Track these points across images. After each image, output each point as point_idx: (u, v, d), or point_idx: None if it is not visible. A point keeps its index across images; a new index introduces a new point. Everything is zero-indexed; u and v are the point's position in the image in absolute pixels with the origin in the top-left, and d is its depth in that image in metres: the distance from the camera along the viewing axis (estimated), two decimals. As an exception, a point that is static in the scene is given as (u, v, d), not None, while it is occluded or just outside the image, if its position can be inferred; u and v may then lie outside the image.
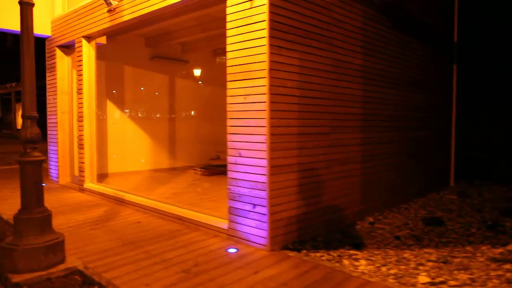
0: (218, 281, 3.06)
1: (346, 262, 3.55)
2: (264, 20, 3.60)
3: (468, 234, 4.53)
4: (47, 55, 7.48)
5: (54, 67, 7.23)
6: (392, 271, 3.35)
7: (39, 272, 3.21)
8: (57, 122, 7.23)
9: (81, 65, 6.40)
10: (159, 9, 4.92)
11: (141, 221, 4.76)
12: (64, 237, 3.55)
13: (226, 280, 3.08)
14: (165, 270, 3.28)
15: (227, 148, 3.98)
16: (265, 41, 3.60)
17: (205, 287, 2.97)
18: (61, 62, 7.24)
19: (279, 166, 3.75)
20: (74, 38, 6.53)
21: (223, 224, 4.10)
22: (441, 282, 3.13)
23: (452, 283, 3.13)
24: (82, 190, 6.48)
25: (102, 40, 6.86)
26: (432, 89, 6.78)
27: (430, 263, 3.57)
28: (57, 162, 7.27)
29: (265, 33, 3.59)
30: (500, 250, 3.95)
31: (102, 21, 5.88)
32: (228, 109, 3.96)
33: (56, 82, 7.21)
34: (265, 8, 3.58)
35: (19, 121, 22.12)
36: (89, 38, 6.43)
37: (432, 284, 3.10)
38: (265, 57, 3.60)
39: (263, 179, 3.66)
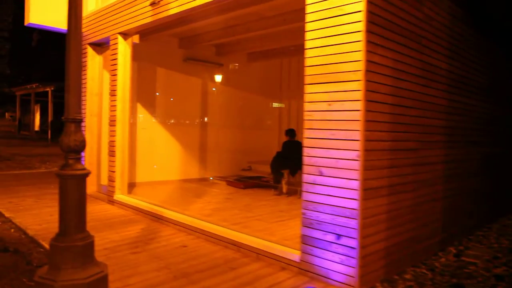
0: None
1: (456, 312, 2.84)
2: (360, 11, 2.94)
3: None
4: (77, 53, 6.92)
5: (84, 66, 6.67)
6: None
7: (81, 316, 2.57)
8: (85, 126, 6.65)
9: (115, 64, 5.82)
10: (213, 0, 4.31)
11: (187, 245, 4.10)
12: (107, 268, 2.90)
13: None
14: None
15: (303, 165, 3.30)
16: (360, 36, 2.94)
17: None
18: (92, 61, 6.68)
19: (372, 189, 3.06)
20: (109, 35, 5.96)
21: (293, 255, 3.42)
22: None
23: None
24: (111, 202, 5.86)
25: (135, 39, 6.28)
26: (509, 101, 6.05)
27: None
28: (84, 169, 6.67)
29: (361, 26, 2.93)
30: None
31: (143, 15, 5.29)
32: (305, 117, 3.29)
33: (86, 83, 6.64)
34: (361, -4, 2.93)
35: (37, 122, 21.84)
36: (125, 35, 5.86)
37: None
38: (361, 56, 2.94)
39: (353, 204, 2.97)
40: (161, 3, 4.94)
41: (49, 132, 17.71)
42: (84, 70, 6.68)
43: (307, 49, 3.29)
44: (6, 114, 41.10)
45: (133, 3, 5.47)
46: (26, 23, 6.32)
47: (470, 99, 4.72)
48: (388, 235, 3.30)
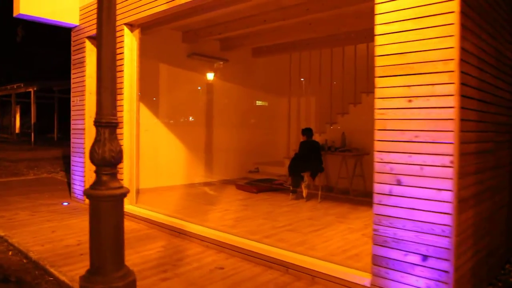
0: None
1: None
2: (452, -13, 2.44)
3: None
4: (73, 48, 6.24)
5: (83, 62, 5.99)
6: None
7: None
8: (84, 129, 5.98)
9: (121, 59, 5.18)
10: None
11: (224, 266, 3.53)
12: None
13: None
14: None
15: (374, 172, 2.79)
16: (453, 18, 2.44)
17: None
18: (91, 57, 6.00)
19: (465, 200, 2.58)
20: (113, 26, 5.30)
21: (362, 278, 2.90)
22: None
23: None
24: (119, 213, 5.22)
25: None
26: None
27: None
28: (83, 176, 6.01)
29: (455, 5, 2.43)
30: None
31: (154, 3, 4.68)
32: (376, 116, 2.78)
33: (84, 81, 5.97)
34: (452, -31, 2.43)
35: (18, 125, 20.69)
36: (132, 26, 5.23)
37: None
38: (453, 42, 2.44)
39: (446, 219, 2.48)
40: (178, -12, 4.35)
41: (32, 135, 16.72)
42: (82, 67, 6.00)
43: (378, 35, 2.77)
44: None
45: (142, -11, 4.85)
46: (15, 14, 5.60)
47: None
48: (473, 252, 2.82)
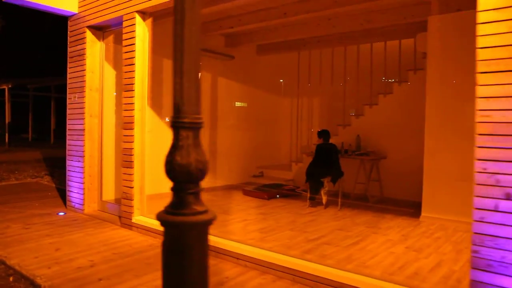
0: None
1: None
2: None
3: None
4: (70, 39, 5.56)
5: (82, 54, 5.34)
6: None
7: None
8: (83, 129, 5.32)
9: (132, 51, 4.59)
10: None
11: (275, 291, 3.04)
12: None
13: None
14: None
15: (474, 185, 2.36)
16: None
17: None
18: (92, 49, 5.36)
19: None
20: (122, 14, 4.70)
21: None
22: None
23: None
24: (128, 225, 4.62)
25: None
26: None
27: None
28: (83, 183, 5.35)
29: None
30: None
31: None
32: (478, 119, 2.35)
33: (84, 75, 5.31)
34: None
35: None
36: (144, 14, 4.64)
37: None
38: None
39: None
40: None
41: (7, 135, 15.58)
42: (82, 60, 5.35)
43: (481, 23, 2.35)
44: None
45: (160, -28, 4.29)
46: (4, -1, 4.90)
47: None
48: None
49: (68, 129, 5.58)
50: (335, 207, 5.92)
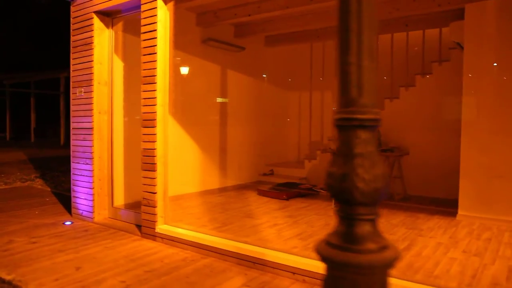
0: None
1: None
2: None
3: None
4: (74, 26, 4.96)
5: (89, 44, 4.75)
6: None
7: None
8: (92, 128, 4.75)
9: (153, 38, 4.05)
10: None
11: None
12: None
13: None
14: None
15: None
16: None
17: None
18: (100, 37, 4.78)
19: None
20: (139, -3, 4.16)
21: None
22: None
23: None
24: (151, 236, 4.11)
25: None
26: None
27: None
28: (92, 188, 4.78)
29: None
30: None
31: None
32: None
33: (91, 67, 4.73)
34: None
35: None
36: (166, -4, 4.11)
37: None
38: None
39: None
40: None
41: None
42: (89, 50, 4.76)
43: None
44: None
45: None
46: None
47: None
48: None
49: (73, 128, 4.99)
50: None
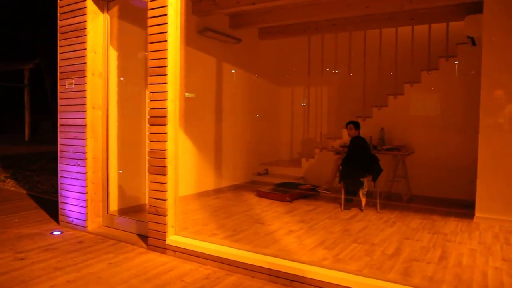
0: None
1: None
2: None
3: None
4: (61, 10, 4.33)
5: (81, 29, 4.15)
6: None
7: None
8: (85, 125, 4.17)
9: (163, 24, 3.54)
10: None
11: None
12: None
13: None
14: None
15: None
16: None
17: None
18: (94, 23, 4.20)
19: None
20: (145, -24, 3.64)
21: None
22: None
23: None
24: (160, 248, 3.62)
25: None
26: None
27: None
28: (85, 192, 4.21)
29: None
30: None
31: None
32: None
33: (84, 56, 4.15)
34: None
35: None
36: (176, -24, 3.61)
37: None
38: None
39: None
40: None
41: None
42: (81, 36, 4.17)
43: None
44: None
45: None
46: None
47: None
48: None
49: (61, 125, 4.38)
50: (370, 208, 5.33)
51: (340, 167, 5.59)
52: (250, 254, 3.24)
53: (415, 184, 6.11)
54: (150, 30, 3.63)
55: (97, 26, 4.23)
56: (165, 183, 3.59)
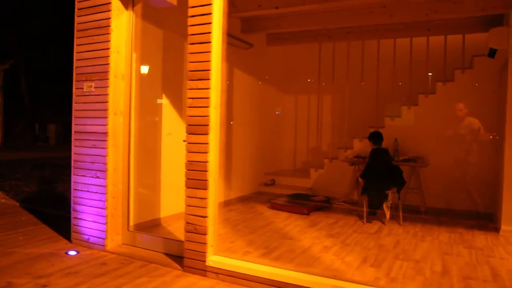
0: None
1: None
2: None
3: None
4: (79, 5, 3.93)
5: (104, 27, 3.77)
6: None
7: None
8: (106, 133, 3.78)
9: (207, 23, 3.25)
10: None
11: None
12: None
13: None
14: None
15: None
16: None
17: None
18: (118, 20, 3.83)
19: None
20: (186, -29, 3.33)
21: None
22: None
23: None
24: (199, 270, 3.28)
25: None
26: None
27: None
28: (105, 208, 3.80)
29: None
30: None
31: None
32: None
33: (107, 56, 3.76)
34: None
35: None
36: (220, -27, 3.33)
37: None
38: None
39: None
40: None
41: None
42: (104, 35, 3.79)
43: None
44: None
45: None
46: None
47: None
48: None
49: (76, 132, 3.96)
50: (390, 221, 5.20)
51: (360, 179, 5.43)
52: (305, 275, 2.97)
53: (428, 196, 6.03)
54: (191, 30, 3.32)
55: (121, 24, 3.86)
56: (205, 199, 3.27)
